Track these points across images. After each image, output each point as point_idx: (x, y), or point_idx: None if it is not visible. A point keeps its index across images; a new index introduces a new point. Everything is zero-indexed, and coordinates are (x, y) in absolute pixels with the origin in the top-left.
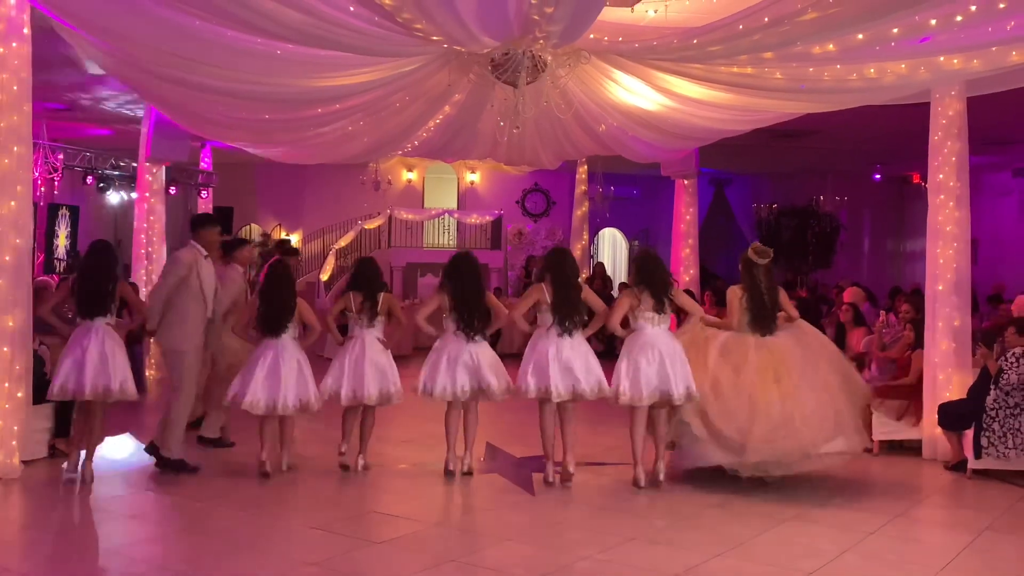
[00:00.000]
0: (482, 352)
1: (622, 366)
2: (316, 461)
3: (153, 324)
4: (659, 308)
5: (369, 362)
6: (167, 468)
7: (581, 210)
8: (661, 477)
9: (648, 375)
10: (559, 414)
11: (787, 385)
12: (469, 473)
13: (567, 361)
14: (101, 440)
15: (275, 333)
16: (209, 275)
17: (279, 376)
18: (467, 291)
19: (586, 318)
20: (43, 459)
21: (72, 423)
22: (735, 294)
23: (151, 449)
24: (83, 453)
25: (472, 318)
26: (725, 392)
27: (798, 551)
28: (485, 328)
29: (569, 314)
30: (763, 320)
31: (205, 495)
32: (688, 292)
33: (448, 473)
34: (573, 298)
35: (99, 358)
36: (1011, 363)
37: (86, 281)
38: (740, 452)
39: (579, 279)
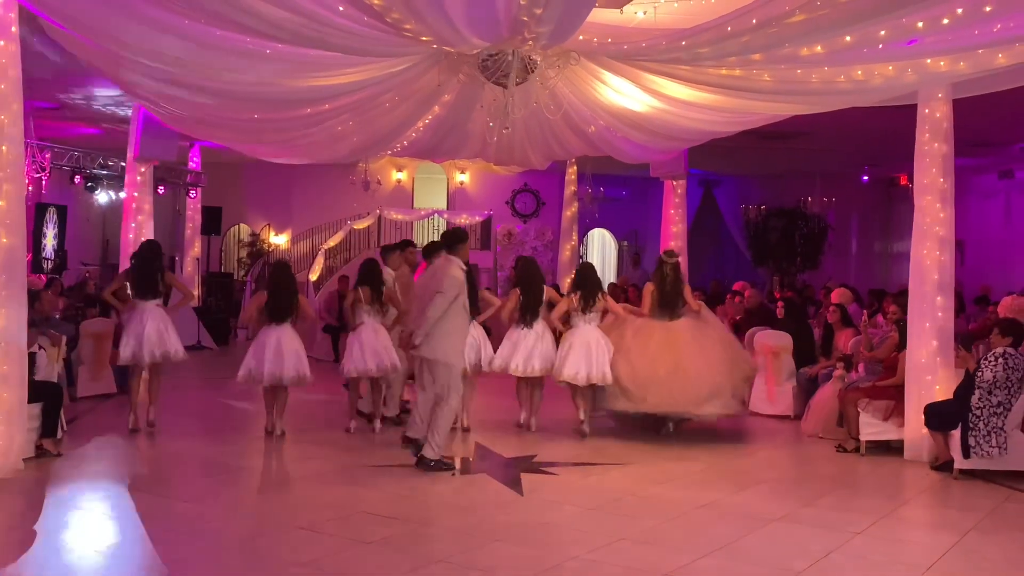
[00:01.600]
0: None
1: (560, 352)
2: (306, 463)
3: (420, 339)
4: (586, 309)
5: (376, 343)
6: (430, 468)
7: (570, 211)
8: (586, 429)
9: (577, 359)
10: (529, 384)
11: (679, 357)
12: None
13: (529, 347)
14: (157, 397)
15: (280, 321)
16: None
17: (283, 355)
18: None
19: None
20: (31, 459)
21: (129, 389)
22: (648, 288)
23: (416, 452)
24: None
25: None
26: (634, 361)
27: (786, 551)
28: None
29: (532, 311)
30: (668, 308)
31: (193, 496)
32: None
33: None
34: (536, 299)
35: (155, 332)
36: (989, 362)
37: (140, 271)
38: (640, 403)
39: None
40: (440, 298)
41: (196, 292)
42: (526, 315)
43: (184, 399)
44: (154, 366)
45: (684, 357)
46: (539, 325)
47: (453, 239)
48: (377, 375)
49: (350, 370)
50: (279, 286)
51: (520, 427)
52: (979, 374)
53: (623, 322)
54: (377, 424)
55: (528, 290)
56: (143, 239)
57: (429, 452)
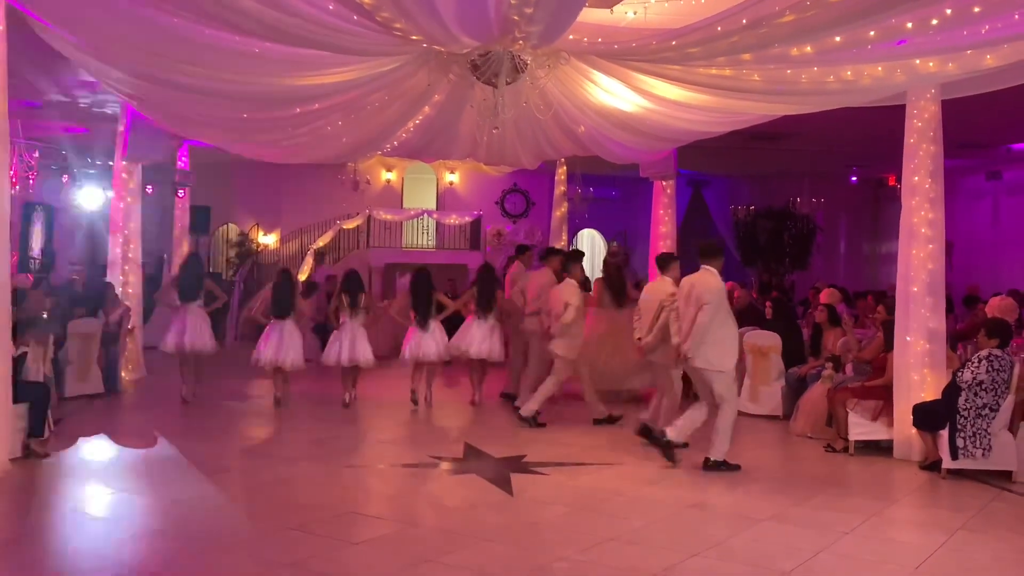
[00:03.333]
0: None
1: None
2: (296, 464)
3: (688, 348)
4: (484, 311)
5: (356, 337)
6: (715, 469)
7: (560, 211)
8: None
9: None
10: (477, 365)
11: (619, 341)
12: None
13: (472, 337)
14: (201, 377)
15: (282, 318)
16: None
17: (284, 345)
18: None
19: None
20: (18, 459)
21: (181, 372)
22: (596, 285)
23: (705, 461)
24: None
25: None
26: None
27: (775, 551)
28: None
29: (487, 307)
30: (614, 299)
31: (184, 496)
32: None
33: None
34: (489, 298)
35: (195, 328)
36: (972, 363)
37: (183, 278)
38: (587, 378)
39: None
40: (708, 309)
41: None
42: (480, 310)
43: (173, 400)
44: (193, 355)
45: (623, 341)
46: (491, 318)
47: (708, 251)
48: (348, 365)
49: (327, 360)
50: (282, 288)
51: (472, 404)
52: (959, 375)
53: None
54: (346, 398)
55: (483, 291)
56: (187, 252)
57: (715, 454)
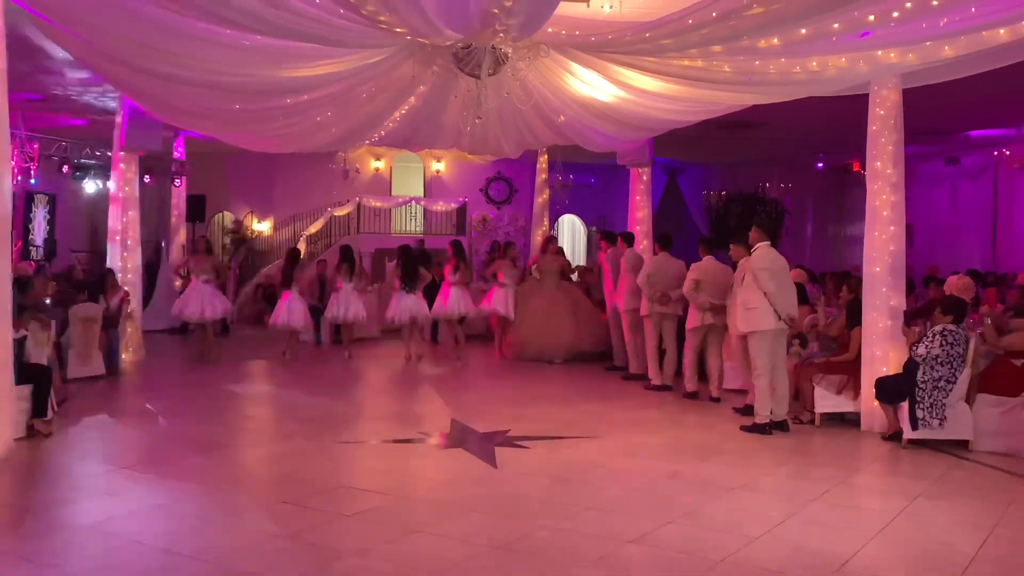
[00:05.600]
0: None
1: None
2: (290, 441)
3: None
4: (408, 287)
5: (351, 299)
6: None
7: (542, 197)
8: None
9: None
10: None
11: (559, 316)
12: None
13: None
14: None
15: (287, 287)
16: None
17: (292, 310)
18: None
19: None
20: (22, 439)
21: (197, 337)
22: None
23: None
24: None
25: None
26: (529, 320)
27: (745, 518)
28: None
29: (411, 282)
30: (550, 280)
31: (180, 473)
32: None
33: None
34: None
35: (203, 298)
36: (927, 339)
37: (196, 258)
38: (528, 348)
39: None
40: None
41: (183, 278)
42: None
43: (173, 379)
44: (204, 324)
45: (562, 317)
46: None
47: (740, 237)
48: (344, 322)
49: (330, 318)
50: (289, 263)
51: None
52: (915, 349)
53: (528, 292)
54: (347, 354)
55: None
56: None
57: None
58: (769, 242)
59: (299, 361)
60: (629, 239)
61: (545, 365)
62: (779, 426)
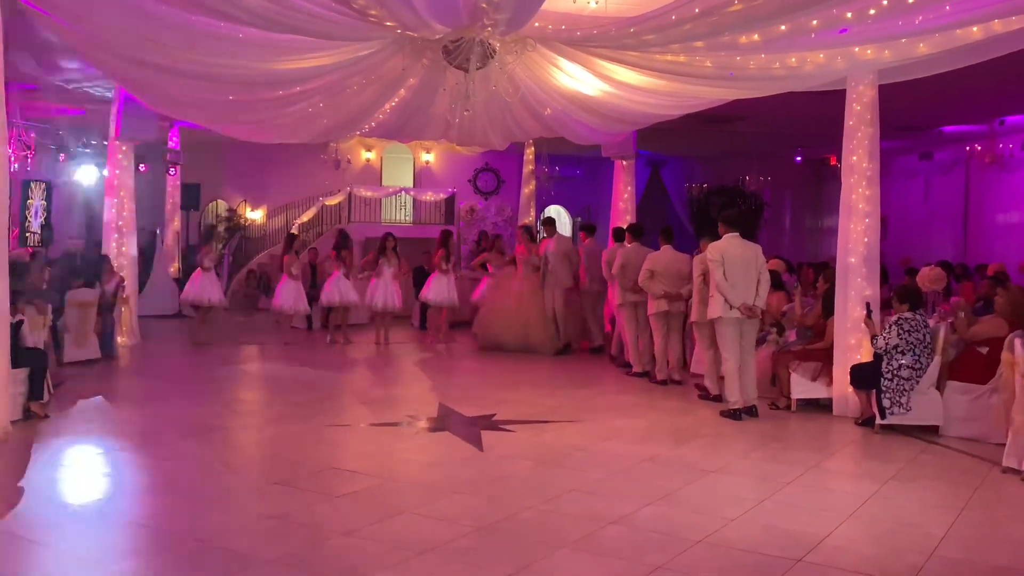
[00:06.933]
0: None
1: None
2: (281, 423)
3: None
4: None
5: (343, 283)
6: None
7: (528, 188)
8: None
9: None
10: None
11: (527, 308)
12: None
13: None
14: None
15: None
16: None
17: (297, 294)
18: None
19: None
20: (19, 421)
21: (198, 317)
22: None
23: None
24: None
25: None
26: (500, 313)
27: (722, 500)
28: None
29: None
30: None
31: (173, 454)
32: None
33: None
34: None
35: (207, 285)
36: (885, 330)
37: (201, 249)
38: (499, 338)
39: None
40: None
41: (176, 264)
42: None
43: (166, 364)
44: (206, 307)
45: (527, 310)
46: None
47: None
48: (340, 305)
49: (327, 301)
50: (287, 248)
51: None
52: (874, 343)
53: (498, 285)
54: (328, 339)
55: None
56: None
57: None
58: (737, 233)
59: (291, 346)
60: (591, 230)
61: (531, 353)
62: (742, 413)
